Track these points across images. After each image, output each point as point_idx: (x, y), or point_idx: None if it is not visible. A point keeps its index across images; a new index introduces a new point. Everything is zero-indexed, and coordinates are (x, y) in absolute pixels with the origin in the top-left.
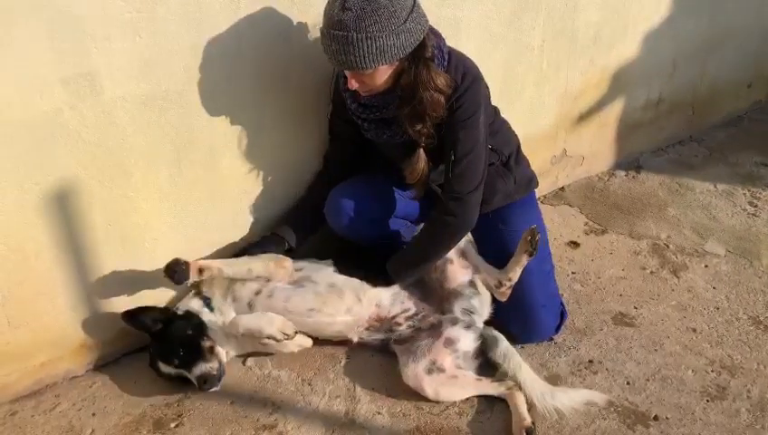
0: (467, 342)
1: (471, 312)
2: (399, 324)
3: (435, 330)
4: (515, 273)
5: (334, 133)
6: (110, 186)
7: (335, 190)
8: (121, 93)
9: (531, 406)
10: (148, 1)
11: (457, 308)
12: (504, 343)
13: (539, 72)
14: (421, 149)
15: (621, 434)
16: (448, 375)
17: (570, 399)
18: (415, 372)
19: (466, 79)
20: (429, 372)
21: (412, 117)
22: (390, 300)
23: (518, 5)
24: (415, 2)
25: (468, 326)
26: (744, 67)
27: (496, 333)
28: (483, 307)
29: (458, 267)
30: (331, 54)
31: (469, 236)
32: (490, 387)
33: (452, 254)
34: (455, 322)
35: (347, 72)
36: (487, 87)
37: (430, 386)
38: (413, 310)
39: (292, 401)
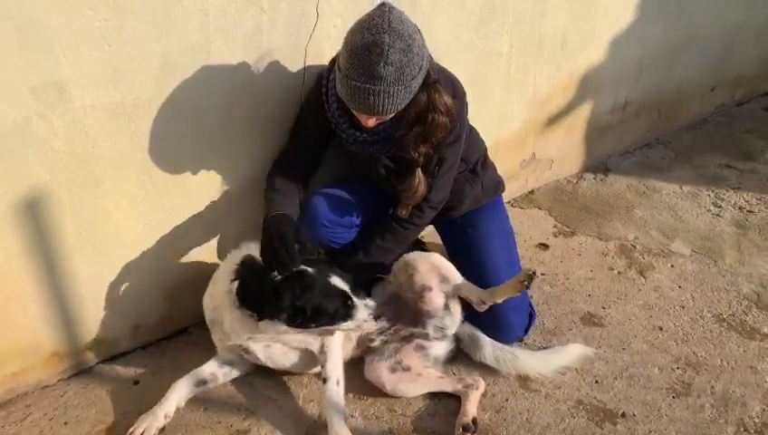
0: (439, 349)
1: (443, 328)
2: (373, 340)
3: (406, 339)
4: (501, 298)
5: (300, 132)
6: (80, 194)
7: (311, 198)
8: (91, 102)
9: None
10: (116, 10)
11: (430, 326)
12: (488, 348)
13: (507, 78)
14: (419, 170)
15: (590, 432)
16: (413, 374)
17: (564, 358)
18: (375, 366)
19: (457, 96)
20: (393, 370)
21: (418, 139)
22: None
23: (486, 12)
24: (420, 33)
25: (440, 339)
26: (708, 71)
27: (479, 334)
28: (454, 323)
29: (437, 293)
30: (364, 106)
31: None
32: (449, 384)
33: (433, 281)
34: (426, 337)
35: (362, 114)
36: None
37: (389, 382)
38: (386, 325)
39: (265, 405)
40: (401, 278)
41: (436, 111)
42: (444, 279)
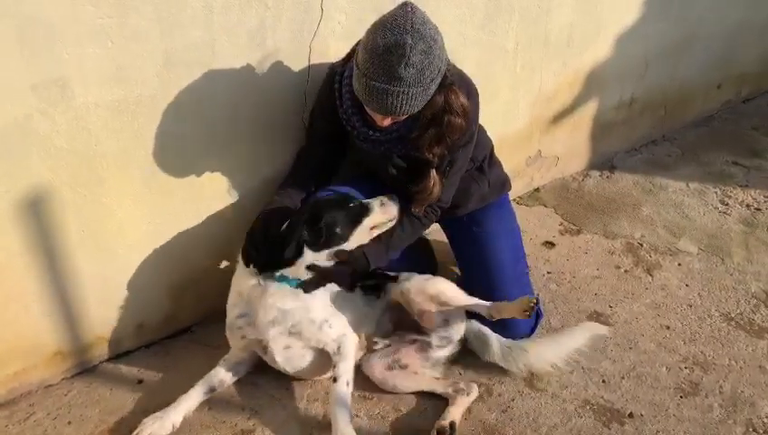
0: (441, 353)
1: (447, 337)
2: (376, 343)
3: (410, 342)
4: (506, 316)
5: (312, 132)
6: (82, 192)
7: (316, 194)
8: (93, 99)
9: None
10: (119, 6)
11: (434, 337)
12: (495, 345)
13: (513, 75)
14: (434, 172)
15: (597, 432)
16: (409, 372)
17: (577, 341)
18: (372, 363)
19: (471, 99)
20: (390, 368)
21: (432, 140)
22: (375, 328)
23: (492, 9)
24: (440, 35)
25: (444, 346)
26: (713, 68)
27: (486, 332)
28: (458, 332)
29: (437, 315)
30: (382, 106)
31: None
32: (440, 386)
33: (432, 307)
34: (429, 345)
35: (379, 113)
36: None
37: (382, 376)
38: (390, 328)
39: (269, 405)
40: (399, 300)
41: (452, 113)
42: (443, 304)
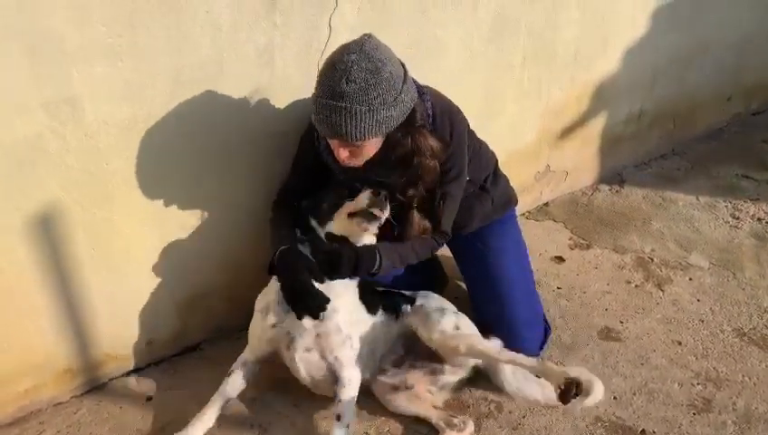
0: (452, 378)
1: (461, 364)
2: (385, 371)
3: (420, 367)
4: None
5: (300, 164)
6: (92, 210)
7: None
8: (103, 117)
9: None
10: (129, 26)
11: (448, 365)
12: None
13: (520, 89)
14: (414, 211)
15: None
16: (411, 394)
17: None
18: (380, 380)
19: (455, 134)
20: (396, 388)
21: (405, 184)
22: (387, 352)
23: (499, 24)
24: (406, 72)
25: (455, 371)
26: (723, 80)
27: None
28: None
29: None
30: (328, 125)
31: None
32: (435, 416)
33: (463, 355)
34: (442, 371)
35: (335, 142)
36: (467, 122)
37: (387, 394)
38: (401, 356)
39: (279, 422)
40: (429, 345)
41: (422, 155)
42: (475, 356)
